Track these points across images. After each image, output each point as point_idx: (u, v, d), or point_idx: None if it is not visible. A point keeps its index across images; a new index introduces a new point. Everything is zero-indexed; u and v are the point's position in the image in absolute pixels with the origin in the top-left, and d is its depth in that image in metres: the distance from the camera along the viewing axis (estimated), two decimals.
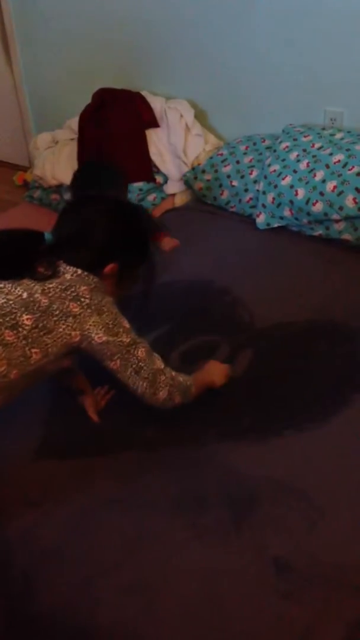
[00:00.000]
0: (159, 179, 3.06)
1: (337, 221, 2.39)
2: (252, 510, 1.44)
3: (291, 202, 2.46)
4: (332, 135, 2.56)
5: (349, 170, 2.35)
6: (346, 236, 2.40)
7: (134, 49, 3.19)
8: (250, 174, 2.69)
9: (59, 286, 1.45)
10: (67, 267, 1.49)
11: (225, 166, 2.77)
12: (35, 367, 1.43)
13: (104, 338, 1.46)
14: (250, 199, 2.66)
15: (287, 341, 1.97)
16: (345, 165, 2.38)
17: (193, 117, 3.02)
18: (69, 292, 1.45)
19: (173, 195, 3.05)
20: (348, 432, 1.63)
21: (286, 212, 2.50)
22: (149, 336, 1.99)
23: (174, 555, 1.36)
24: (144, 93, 3.13)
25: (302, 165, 2.48)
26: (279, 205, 2.51)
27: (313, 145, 2.52)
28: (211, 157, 2.87)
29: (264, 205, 2.57)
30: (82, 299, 1.46)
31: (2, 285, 1.44)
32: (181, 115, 3.00)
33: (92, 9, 3.22)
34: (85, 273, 1.50)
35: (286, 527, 1.40)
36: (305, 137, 2.58)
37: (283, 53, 2.75)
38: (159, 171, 3.06)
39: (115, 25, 3.19)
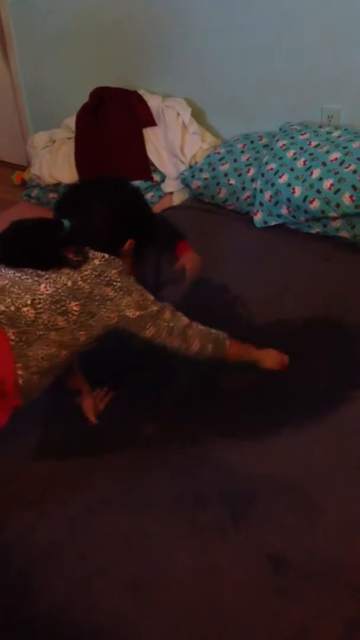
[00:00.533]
0: (156, 177, 3.06)
1: (334, 219, 2.39)
2: (250, 508, 1.44)
3: (288, 200, 2.46)
4: (329, 133, 2.56)
5: (346, 167, 2.36)
6: (343, 233, 2.40)
7: (131, 48, 3.19)
8: (248, 172, 2.69)
9: (93, 272, 1.54)
10: (95, 253, 1.57)
11: (222, 164, 2.77)
12: (80, 347, 1.56)
13: (137, 313, 1.58)
14: (248, 197, 2.66)
15: (285, 339, 1.97)
16: (342, 163, 2.38)
17: (190, 116, 3.03)
18: (102, 278, 1.54)
19: (170, 193, 3.05)
20: (346, 430, 1.64)
21: (283, 210, 2.50)
22: None
23: (172, 553, 1.36)
24: (141, 92, 3.13)
25: (299, 163, 2.48)
26: (276, 203, 2.51)
27: (310, 143, 2.53)
28: (208, 156, 2.87)
29: (261, 204, 2.57)
30: (115, 283, 1.55)
31: (47, 276, 1.52)
32: (178, 114, 3.00)
33: (89, 7, 3.22)
34: (112, 257, 1.58)
35: (284, 525, 1.41)
36: (302, 135, 2.59)
37: (280, 51, 2.75)
38: (156, 170, 3.07)
39: (112, 24, 3.19)
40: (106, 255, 1.57)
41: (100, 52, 3.32)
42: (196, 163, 2.92)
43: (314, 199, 2.39)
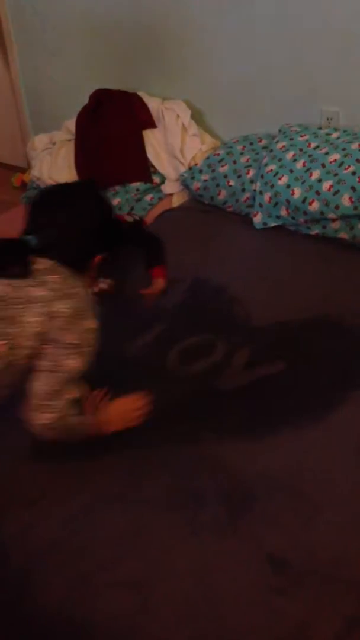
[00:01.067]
0: (156, 179, 3.07)
1: (333, 220, 2.40)
2: (248, 507, 1.45)
3: (288, 201, 2.47)
4: (328, 134, 2.56)
5: (345, 169, 2.36)
6: (342, 235, 2.41)
7: (131, 50, 3.20)
8: (247, 173, 2.70)
9: (28, 279, 1.43)
10: (40, 260, 1.46)
11: (222, 166, 2.77)
12: (5, 361, 1.39)
13: (69, 321, 1.42)
14: (247, 198, 2.67)
15: (284, 339, 1.98)
16: (341, 164, 2.38)
17: (189, 118, 3.03)
18: (36, 280, 1.43)
19: (170, 195, 3.05)
20: (344, 429, 1.64)
21: (283, 212, 2.51)
22: (147, 334, 2.00)
23: (170, 551, 1.37)
24: (140, 94, 3.14)
25: (299, 165, 2.49)
26: (275, 204, 2.52)
27: (309, 145, 2.53)
28: (208, 157, 2.87)
29: (260, 205, 2.57)
30: (51, 284, 1.43)
31: None
32: (178, 116, 3.01)
33: (89, 10, 3.23)
34: (58, 264, 1.47)
35: (282, 523, 1.41)
36: (301, 136, 2.59)
37: (279, 53, 2.76)
38: (156, 171, 3.07)
39: (112, 26, 3.20)
40: (49, 262, 1.46)
41: (99, 54, 3.33)
42: (196, 165, 2.93)
43: (313, 201, 2.40)
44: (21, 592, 1.32)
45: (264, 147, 2.76)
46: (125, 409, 1.62)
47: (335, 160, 2.41)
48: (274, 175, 2.53)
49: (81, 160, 3.13)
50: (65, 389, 1.46)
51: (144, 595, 1.29)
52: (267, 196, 2.54)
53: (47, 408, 1.44)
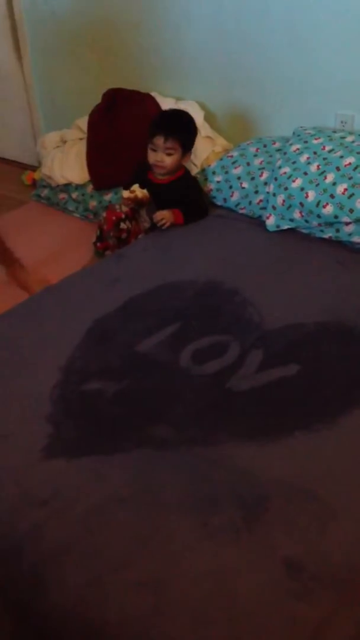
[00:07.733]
0: None
1: (347, 224, 2.39)
2: (263, 510, 1.43)
3: (301, 204, 2.46)
4: (342, 138, 2.56)
5: None
6: (356, 238, 2.40)
7: (145, 51, 3.20)
8: (261, 176, 2.69)
9: None
10: None
11: (235, 168, 2.77)
12: None
13: None
14: (261, 200, 2.66)
15: (297, 342, 1.97)
16: (356, 168, 2.38)
17: (203, 119, 3.03)
18: None
19: None
20: (359, 432, 1.63)
21: (296, 214, 2.50)
22: (160, 333, 2.00)
23: (185, 553, 1.35)
24: (153, 94, 3.13)
25: (313, 168, 2.48)
26: (289, 207, 2.51)
27: (324, 148, 2.53)
28: (221, 159, 2.86)
29: (274, 207, 2.56)
30: None
31: None
32: None
33: (103, 10, 3.23)
34: None
35: (297, 527, 1.40)
36: (316, 139, 2.59)
37: (294, 56, 2.76)
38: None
39: (126, 27, 3.20)
40: None
41: (113, 55, 3.33)
42: (209, 166, 2.92)
43: (327, 204, 2.39)
44: (34, 591, 1.31)
45: (278, 150, 2.75)
46: None
47: (350, 163, 2.40)
48: (288, 178, 2.52)
49: (93, 159, 3.12)
50: None
51: (158, 597, 1.27)
52: (280, 199, 2.53)
53: None
